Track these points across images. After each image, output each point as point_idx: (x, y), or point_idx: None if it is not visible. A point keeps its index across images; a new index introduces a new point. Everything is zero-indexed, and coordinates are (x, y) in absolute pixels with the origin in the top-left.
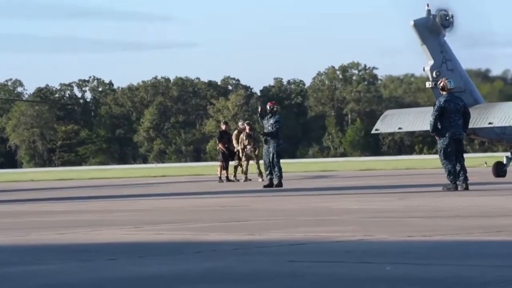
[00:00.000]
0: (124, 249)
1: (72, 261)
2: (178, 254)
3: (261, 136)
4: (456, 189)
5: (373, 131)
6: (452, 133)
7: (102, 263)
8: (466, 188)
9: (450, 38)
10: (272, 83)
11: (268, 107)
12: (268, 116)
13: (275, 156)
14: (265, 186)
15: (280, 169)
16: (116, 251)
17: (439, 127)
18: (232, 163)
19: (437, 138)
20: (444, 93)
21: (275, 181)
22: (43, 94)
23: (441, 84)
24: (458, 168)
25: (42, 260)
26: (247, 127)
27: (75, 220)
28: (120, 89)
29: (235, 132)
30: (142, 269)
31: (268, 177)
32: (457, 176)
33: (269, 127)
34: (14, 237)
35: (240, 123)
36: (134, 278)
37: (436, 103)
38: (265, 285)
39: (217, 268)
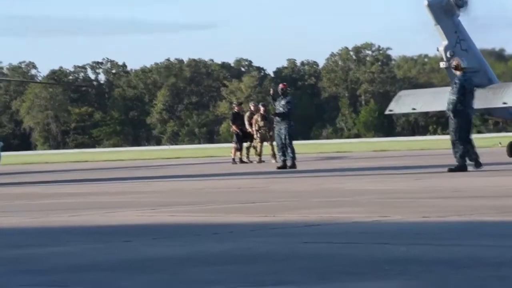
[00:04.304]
0: (140, 231)
1: (88, 242)
2: (195, 236)
3: (272, 116)
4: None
5: (387, 112)
6: (468, 113)
7: (118, 244)
8: (479, 165)
9: (464, 18)
10: (285, 64)
11: (280, 88)
12: (280, 97)
13: (287, 137)
14: (278, 168)
15: (293, 150)
16: (132, 232)
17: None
18: (245, 145)
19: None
20: (459, 72)
21: (289, 163)
22: (57, 77)
23: (454, 63)
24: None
25: (59, 242)
26: (262, 109)
27: (91, 202)
28: (133, 71)
29: (247, 113)
30: (157, 251)
31: (282, 158)
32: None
33: (281, 108)
34: (32, 219)
35: (251, 105)
36: (150, 259)
37: (457, 81)
38: (281, 266)
39: (234, 249)
